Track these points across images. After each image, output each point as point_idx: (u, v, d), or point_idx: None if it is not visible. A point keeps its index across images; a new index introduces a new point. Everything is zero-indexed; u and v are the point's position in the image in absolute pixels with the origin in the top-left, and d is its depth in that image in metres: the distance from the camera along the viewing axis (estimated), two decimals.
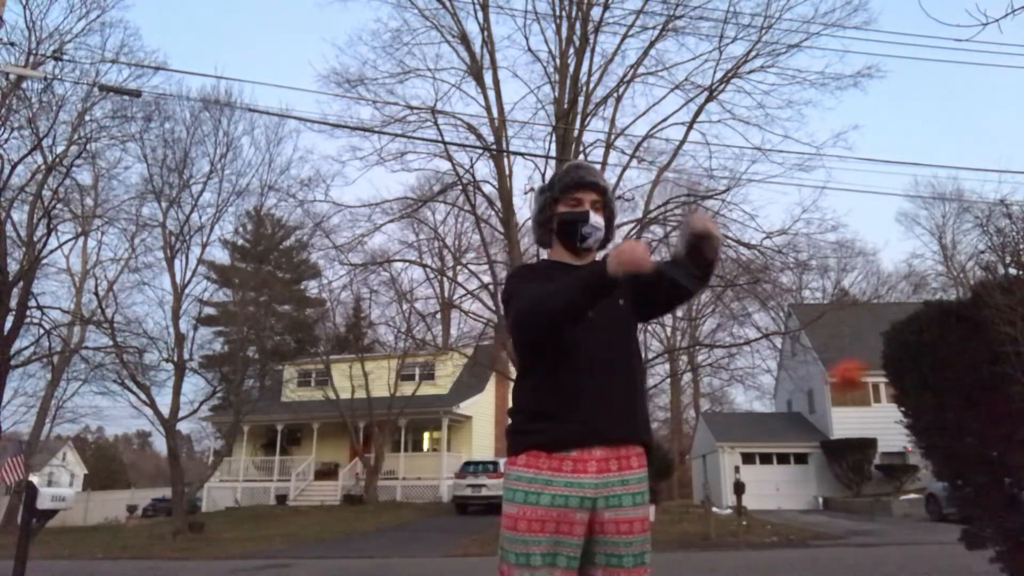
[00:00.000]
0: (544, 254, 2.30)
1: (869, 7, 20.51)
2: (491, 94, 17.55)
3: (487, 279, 18.59)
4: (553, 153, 16.34)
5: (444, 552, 12.54)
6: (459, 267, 22.54)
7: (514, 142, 18.20)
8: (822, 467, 24.63)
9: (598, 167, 2.43)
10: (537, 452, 1.92)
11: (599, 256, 2.21)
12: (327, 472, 26.95)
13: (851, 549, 11.65)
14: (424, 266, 21.62)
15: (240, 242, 35.83)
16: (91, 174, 21.52)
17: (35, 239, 19.54)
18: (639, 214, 17.26)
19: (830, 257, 19.83)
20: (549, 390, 1.96)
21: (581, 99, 17.14)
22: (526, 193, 18.30)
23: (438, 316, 26.94)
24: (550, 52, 17.52)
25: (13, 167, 18.92)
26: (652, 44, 17.20)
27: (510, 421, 2.05)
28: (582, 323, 1.94)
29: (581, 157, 15.94)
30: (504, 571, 1.90)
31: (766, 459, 25.68)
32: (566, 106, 16.81)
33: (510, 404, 2.09)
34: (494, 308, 17.65)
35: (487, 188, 18.24)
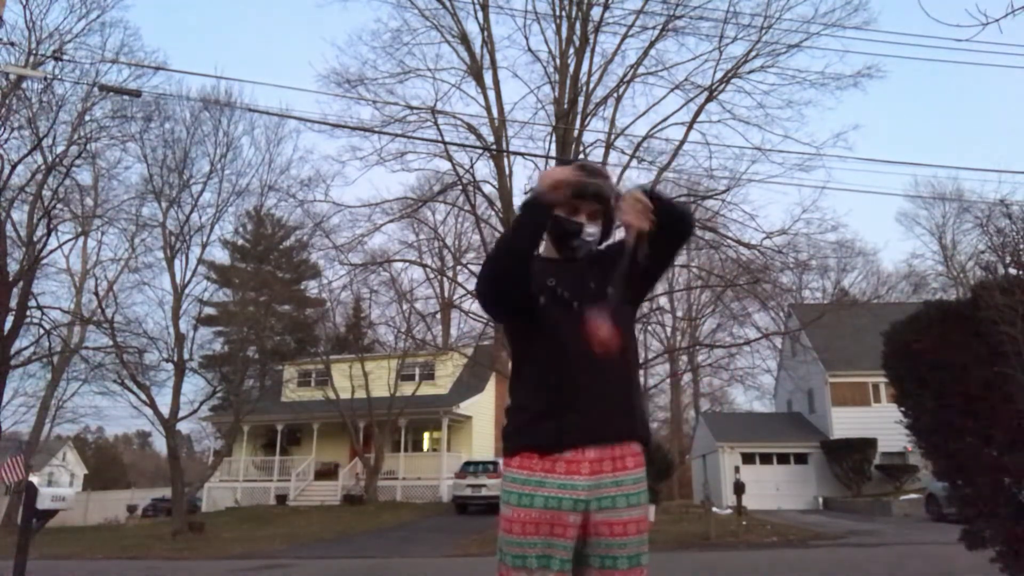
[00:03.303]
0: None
1: (869, 7, 20.47)
2: (491, 94, 17.58)
3: None
4: (553, 153, 16.34)
5: (444, 552, 12.54)
6: (459, 267, 22.55)
7: (514, 142, 18.22)
8: (822, 467, 24.64)
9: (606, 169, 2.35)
10: (530, 453, 1.91)
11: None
12: (327, 472, 26.95)
13: (851, 549, 11.64)
14: (424, 266, 21.64)
15: (240, 242, 35.86)
16: (91, 174, 21.56)
17: (35, 239, 19.55)
18: None
19: (830, 257, 19.79)
20: (541, 389, 1.95)
21: (581, 99, 17.15)
22: (526, 193, 18.23)
23: (438, 316, 26.95)
24: (550, 52, 17.54)
25: (13, 167, 18.94)
26: (652, 44, 17.21)
27: (506, 421, 2.04)
28: (569, 316, 1.94)
29: (581, 157, 15.93)
30: (502, 573, 1.90)
31: (766, 459, 25.69)
32: (566, 106, 16.81)
33: (507, 403, 2.09)
34: None
35: (487, 188, 18.27)
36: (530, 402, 1.98)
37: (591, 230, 2.07)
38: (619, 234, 2.12)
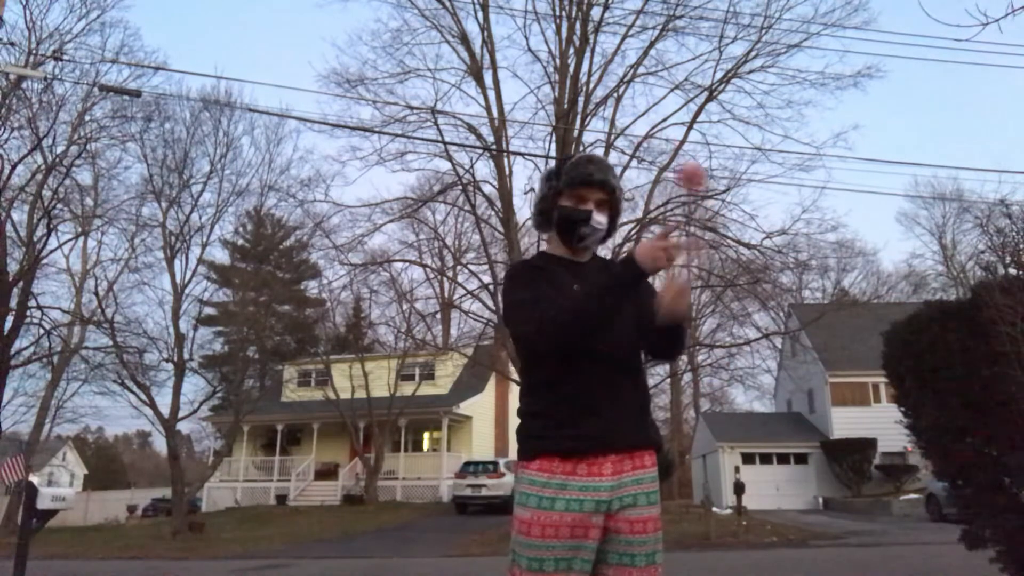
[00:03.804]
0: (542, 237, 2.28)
1: (869, 7, 20.46)
2: (491, 94, 17.55)
3: (487, 279, 18.57)
4: (553, 153, 16.34)
5: (444, 552, 12.53)
6: (459, 267, 22.53)
7: (514, 142, 18.19)
8: (822, 467, 24.64)
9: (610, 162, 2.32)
10: (551, 457, 1.90)
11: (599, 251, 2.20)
12: (327, 472, 26.96)
13: (851, 549, 11.65)
14: (424, 266, 21.62)
15: (240, 242, 35.86)
16: (91, 174, 21.49)
17: (35, 239, 19.53)
18: (639, 214, 17.26)
19: (830, 257, 19.82)
20: (558, 397, 1.94)
21: (581, 99, 17.13)
22: (526, 193, 18.27)
23: (438, 316, 26.95)
24: (550, 52, 17.52)
25: (13, 167, 18.90)
26: (652, 44, 17.20)
27: (522, 424, 2.02)
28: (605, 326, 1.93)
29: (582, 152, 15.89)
30: (515, 575, 1.88)
31: (766, 459, 25.68)
32: (566, 106, 16.80)
33: (519, 406, 2.06)
34: (494, 308, 17.64)
35: (487, 188, 18.24)
36: (548, 409, 1.96)
37: (599, 218, 2.06)
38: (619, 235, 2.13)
